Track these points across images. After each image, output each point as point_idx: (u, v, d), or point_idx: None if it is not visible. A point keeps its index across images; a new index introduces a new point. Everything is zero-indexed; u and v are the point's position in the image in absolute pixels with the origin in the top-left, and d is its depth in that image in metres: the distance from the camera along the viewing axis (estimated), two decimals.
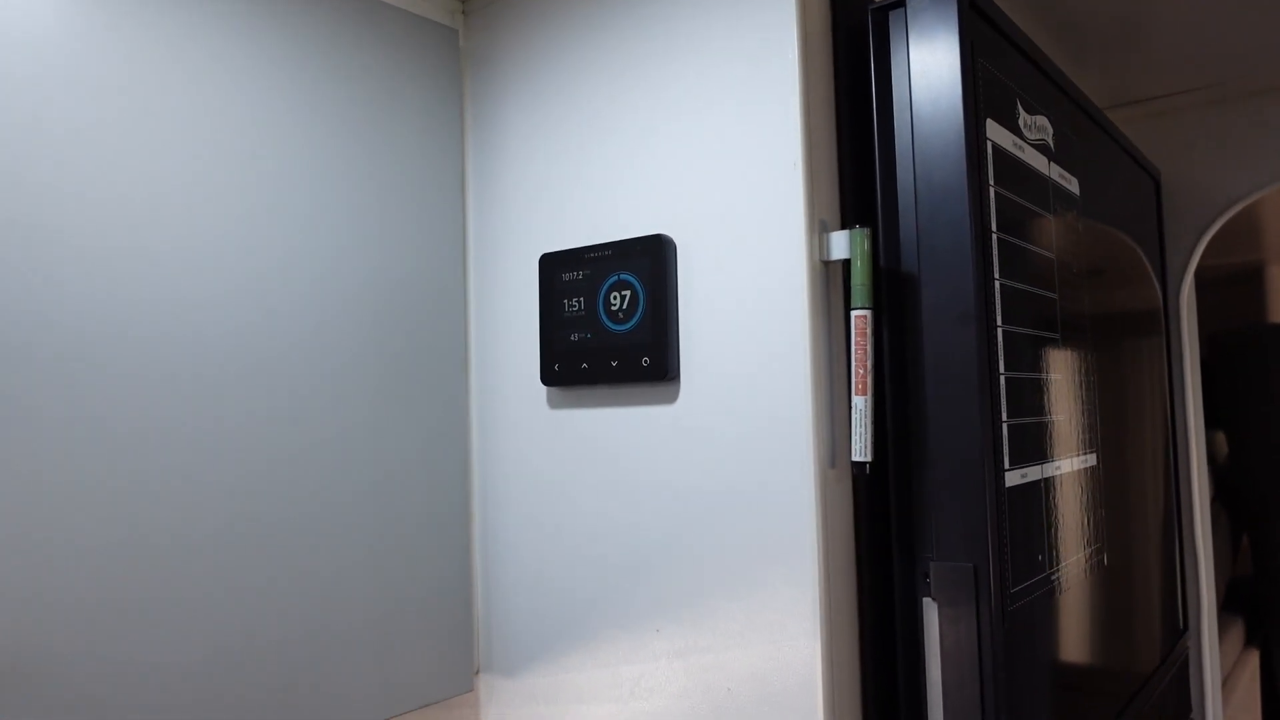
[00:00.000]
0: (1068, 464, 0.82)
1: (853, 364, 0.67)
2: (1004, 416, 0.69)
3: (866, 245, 0.67)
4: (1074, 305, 0.86)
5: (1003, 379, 0.69)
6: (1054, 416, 0.79)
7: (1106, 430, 0.94)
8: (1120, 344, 1.04)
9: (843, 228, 0.71)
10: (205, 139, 0.68)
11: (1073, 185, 0.89)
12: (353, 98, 0.79)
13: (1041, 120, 0.81)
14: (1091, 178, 0.95)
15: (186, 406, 0.66)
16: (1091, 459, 0.89)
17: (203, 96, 0.68)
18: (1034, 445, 0.75)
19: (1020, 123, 0.76)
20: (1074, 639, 0.83)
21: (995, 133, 0.71)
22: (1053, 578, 0.76)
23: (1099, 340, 0.94)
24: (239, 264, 0.70)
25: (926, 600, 0.68)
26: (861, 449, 0.67)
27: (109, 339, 0.62)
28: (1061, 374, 0.82)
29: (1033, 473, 0.74)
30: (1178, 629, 1.22)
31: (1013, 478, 0.70)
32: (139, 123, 0.65)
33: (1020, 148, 0.76)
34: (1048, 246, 0.81)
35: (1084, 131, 0.94)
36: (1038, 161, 0.80)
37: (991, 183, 0.70)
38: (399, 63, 0.83)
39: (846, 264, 0.70)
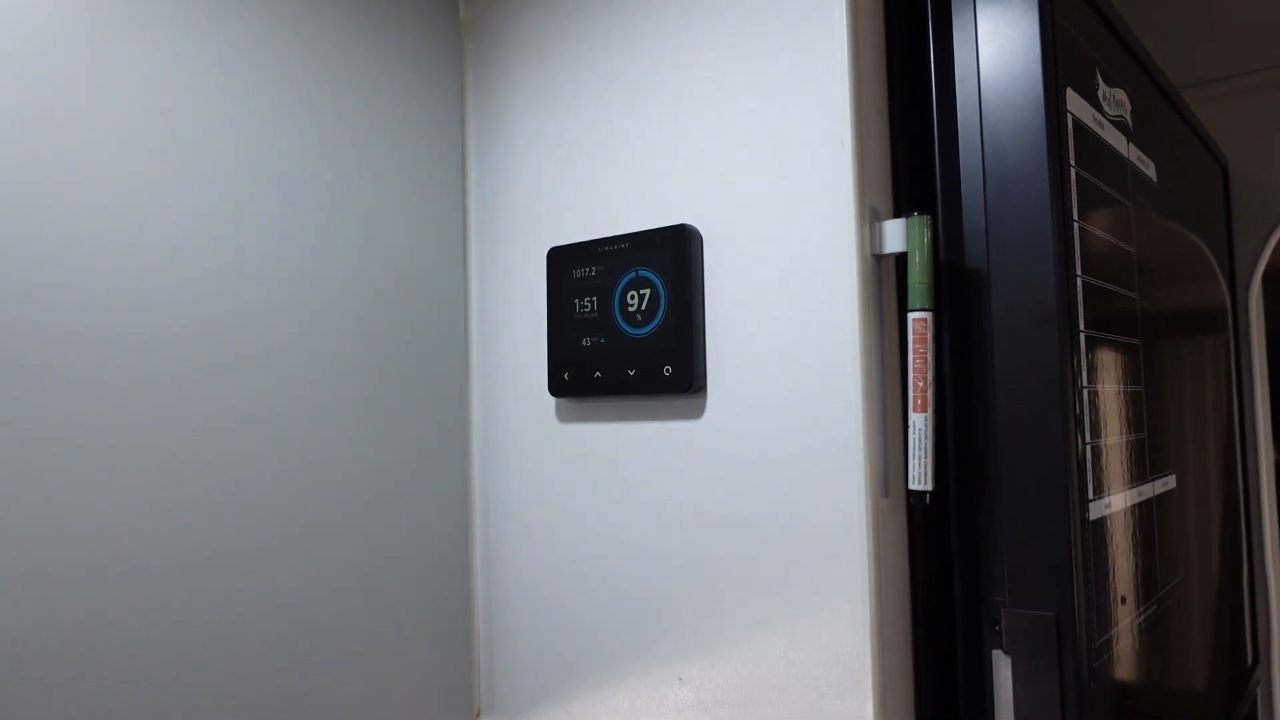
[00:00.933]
0: (1149, 488, 0.72)
1: (910, 375, 0.57)
2: (1087, 437, 0.59)
3: (927, 235, 0.57)
4: (1152, 306, 0.76)
5: (1085, 393, 0.59)
6: (1137, 435, 0.69)
7: (1183, 447, 0.84)
8: (1189, 349, 0.93)
9: (897, 215, 0.61)
10: (175, 116, 0.59)
11: (1150, 170, 0.78)
12: (339, 75, 0.70)
13: (1120, 94, 0.71)
14: (1166, 163, 0.84)
15: (156, 416, 0.57)
16: (1171, 481, 0.78)
17: (175, 70, 0.59)
18: (1118, 469, 0.65)
19: (1099, 95, 0.66)
20: (1151, 688, 0.72)
21: (1075, 104, 0.61)
22: (1136, 623, 0.66)
23: (1172, 345, 0.84)
24: (211, 258, 0.61)
25: (996, 653, 0.58)
26: (921, 475, 0.57)
27: (76, 336, 0.54)
28: (1141, 385, 0.72)
29: (1116, 501, 0.64)
30: (1246, 666, 1.11)
31: (1096, 509, 0.60)
32: (103, 100, 0.56)
33: (1100, 124, 0.66)
34: (1127, 238, 0.71)
35: (1158, 110, 0.84)
36: (1117, 141, 0.70)
37: (1072, 163, 0.60)
38: (391, 35, 0.74)
39: (901, 258, 0.60)
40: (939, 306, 0.59)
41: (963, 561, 0.59)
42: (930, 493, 0.57)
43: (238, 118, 0.63)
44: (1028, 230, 0.56)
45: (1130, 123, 0.73)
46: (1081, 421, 0.58)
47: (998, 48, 0.58)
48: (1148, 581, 0.70)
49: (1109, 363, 0.65)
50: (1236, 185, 1.18)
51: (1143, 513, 0.70)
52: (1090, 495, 0.59)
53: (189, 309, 0.60)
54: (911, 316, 0.58)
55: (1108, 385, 0.64)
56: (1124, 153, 0.71)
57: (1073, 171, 0.60)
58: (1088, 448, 0.59)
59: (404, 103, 0.75)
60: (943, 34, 0.61)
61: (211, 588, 0.60)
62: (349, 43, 0.71)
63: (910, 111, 0.62)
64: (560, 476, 0.72)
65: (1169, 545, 0.76)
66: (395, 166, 0.74)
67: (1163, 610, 0.73)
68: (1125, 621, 0.64)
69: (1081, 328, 0.59)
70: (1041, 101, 0.56)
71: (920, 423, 0.57)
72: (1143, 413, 0.72)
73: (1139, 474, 0.69)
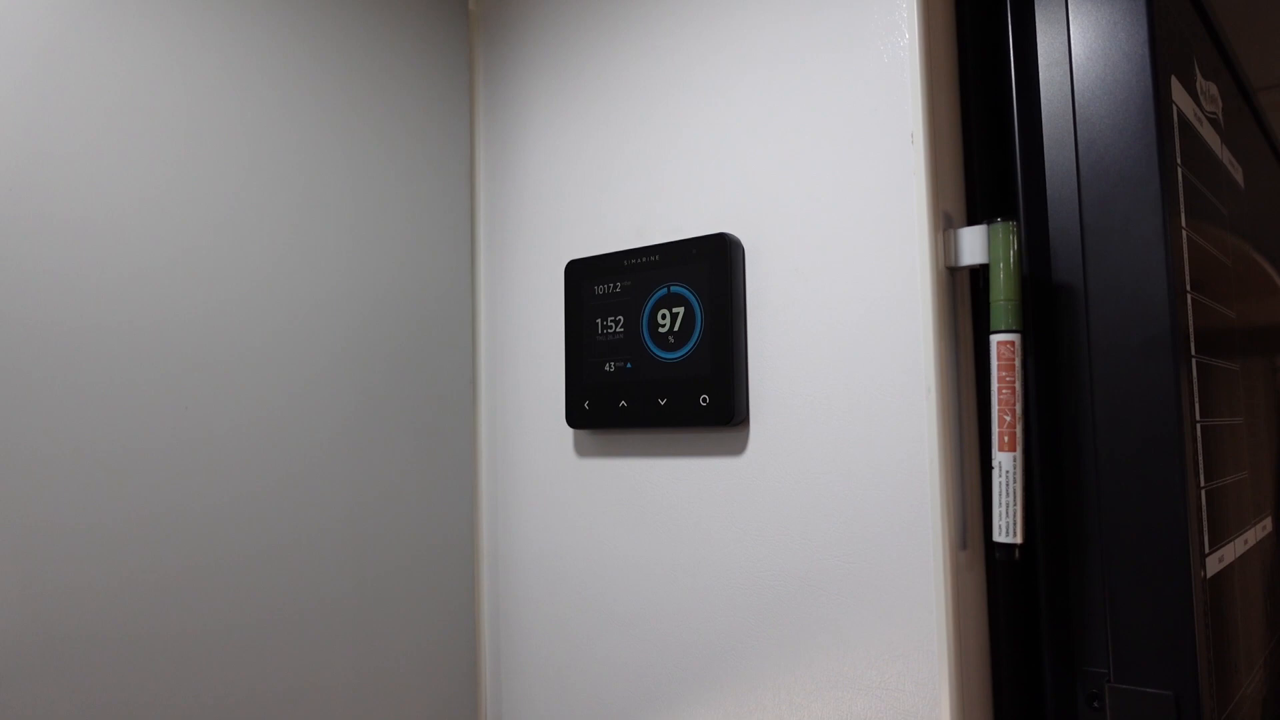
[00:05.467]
0: (1253, 535, 0.63)
1: (994, 409, 0.49)
2: (1201, 480, 0.50)
3: (1014, 245, 0.49)
4: (1244, 326, 0.68)
5: (1199, 428, 0.51)
6: (1239, 475, 0.61)
7: (1273, 485, 0.75)
8: (1266, 374, 0.85)
9: (972, 223, 0.53)
10: (162, 111, 0.52)
11: (1239, 175, 0.70)
12: (340, 74, 0.62)
13: (1214, 89, 0.63)
14: (1249, 169, 0.76)
15: (149, 429, 0.49)
16: (1268, 524, 0.69)
17: (171, 65, 0.52)
18: (1227, 515, 0.56)
19: (1198, 88, 0.58)
20: None
21: (1178, 96, 0.53)
22: (1249, 693, 0.57)
23: (1256, 370, 0.76)
24: (199, 271, 0.53)
25: None
26: (1008, 526, 0.48)
27: (69, 338, 0.46)
28: (1241, 416, 0.63)
29: (1228, 554, 0.55)
30: None
31: (1211, 563, 0.51)
32: (93, 99, 0.48)
33: (1200, 120, 0.58)
34: (1224, 250, 0.62)
35: (1241, 112, 0.76)
36: (1212, 140, 0.62)
37: (1179, 162, 0.52)
38: (395, 31, 0.67)
39: (980, 271, 0.52)
40: (1025, 328, 0.51)
41: (1053, 627, 0.51)
42: (1019, 546, 0.49)
43: (227, 115, 0.56)
44: (1136, 239, 0.48)
45: (1222, 122, 0.65)
46: (1195, 463, 0.50)
47: (1095, 28, 0.50)
48: (1255, 643, 0.61)
49: (1215, 392, 0.56)
50: None
51: (1247, 564, 0.61)
52: (1206, 548, 0.50)
53: (168, 322, 0.52)
54: (995, 339, 0.49)
55: (1215, 417, 0.55)
56: (1219, 154, 0.63)
57: (1179, 173, 0.52)
58: (1202, 492, 0.50)
59: (405, 101, 0.67)
60: (1023, 14, 0.53)
61: (204, 601, 0.52)
62: (345, 37, 0.63)
63: (986, 105, 0.54)
64: (579, 520, 0.64)
65: (1271, 599, 0.68)
66: (395, 171, 0.66)
67: (1267, 673, 0.64)
68: (1239, 694, 0.55)
69: (1192, 352, 0.51)
70: (1150, 90, 0.48)
71: (1008, 464, 0.48)
72: (1243, 448, 0.63)
73: (1242, 520, 0.61)
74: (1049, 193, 0.52)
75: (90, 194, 0.50)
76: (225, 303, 0.55)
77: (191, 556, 0.53)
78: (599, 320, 0.61)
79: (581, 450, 0.64)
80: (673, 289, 0.58)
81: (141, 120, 0.52)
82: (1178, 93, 0.53)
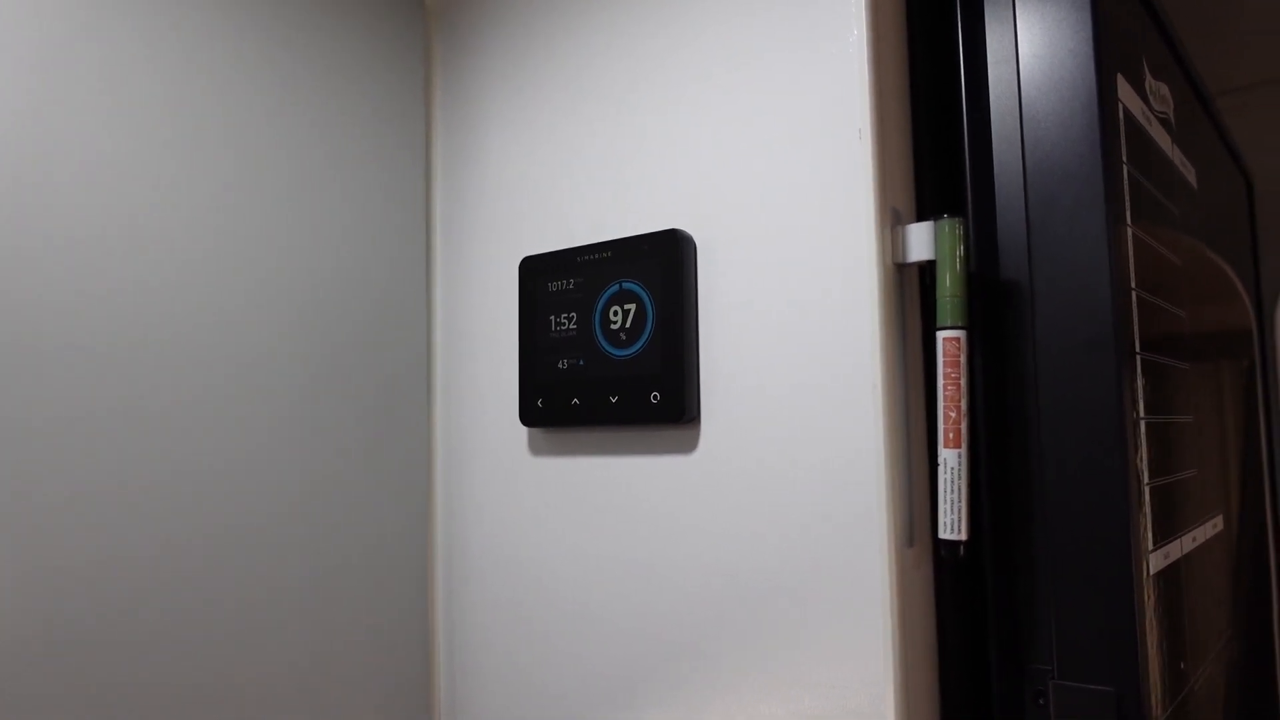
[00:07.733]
0: (1202, 533, 0.63)
1: (940, 405, 0.49)
2: (1144, 477, 0.51)
3: (961, 242, 0.49)
4: (1195, 326, 0.68)
5: (1142, 425, 0.51)
6: (1188, 472, 0.61)
7: (1226, 484, 0.76)
8: (1222, 374, 0.86)
9: (920, 219, 0.53)
10: (92, 90, 0.51)
11: (1191, 175, 0.71)
12: (290, 66, 0.61)
13: (1164, 89, 0.64)
14: (1203, 171, 0.77)
15: (81, 410, 0.48)
16: (1219, 522, 0.70)
17: (96, 36, 0.51)
18: (1174, 513, 0.56)
19: (1147, 87, 0.59)
20: None
21: (1124, 94, 0.53)
22: (1195, 689, 0.57)
23: (1209, 370, 0.76)
24: (138, 267, 0.52)
25: None
26: (954, 523, 0.48)
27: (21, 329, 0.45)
28: (1190, 415, 0.64)
29: (1174, 550, 0.55)
30: None
31: (1156, 560, 0.51)
32: (40, 95, 0.47)
33: (1148, 119, 0.58)
34: (1174, 249, 0.63)
35: (1194, 114, 0.77)
36: (1162, 140, 0.62)
37: (1125, 160, 0.52)
38: (349, 24, 0.66)
39: (927, 268, 0.52)
40: (971, 324, 0.51)
41: (1000, 623, 0.51)
42: (964, 543, 0.49)
43: (171, 105, 0.55)
44: (1078, 236, 0.48)
45: (1174, 122, 0.66)
46: (1139, 459, 0.50)
47: (1040, 25, 0.50)
48: (1203, 640, 0.61)
49: (1161, 390, 0.56)
50: (1262, 201, 1.11)
51: (1197, 561, 0.61)
52: (1150, 545, 0.50)
53: (102, 298, 0.51)
54: (941, 336, 0.49)
55: (1161, 415, 0.56)
56: (1169, 154, 0.63)
57: (1125, 171, 0.52)
58: (1145, 489, 0.51)
59: (362, 101, 0.66)
60: (972, 11, 0.53)
61: (142, 589, 0.51)
62: (303, 34, 0.62)
63: (934, 102, 0.54)
64: (531, 519, 0.63)
65: (1221, 596, 0.68)
66: (353, 170, 0.65)
67: (1217, 670, 0.65)
68: (1184, 691, 0.55)
69: (1136, 349, 0.51)
70: (1094, 87, 0.48)
71: (953, 460, 0.48)
72: (1192, 446, 0.63)
73: (1192, 517, 0.61)
74: (997, 190, 0.52)
75: (18, 170, 0.49)
76: (156, 279, 0.54)
77: (129, 543, 0.52)
78: (552, 317, 0.61)
79: (535, 448, 0.64)
80: (624, 285, 0.58)
81: (64, 92, 0.51)
82: (1125, 91, 0.53)
